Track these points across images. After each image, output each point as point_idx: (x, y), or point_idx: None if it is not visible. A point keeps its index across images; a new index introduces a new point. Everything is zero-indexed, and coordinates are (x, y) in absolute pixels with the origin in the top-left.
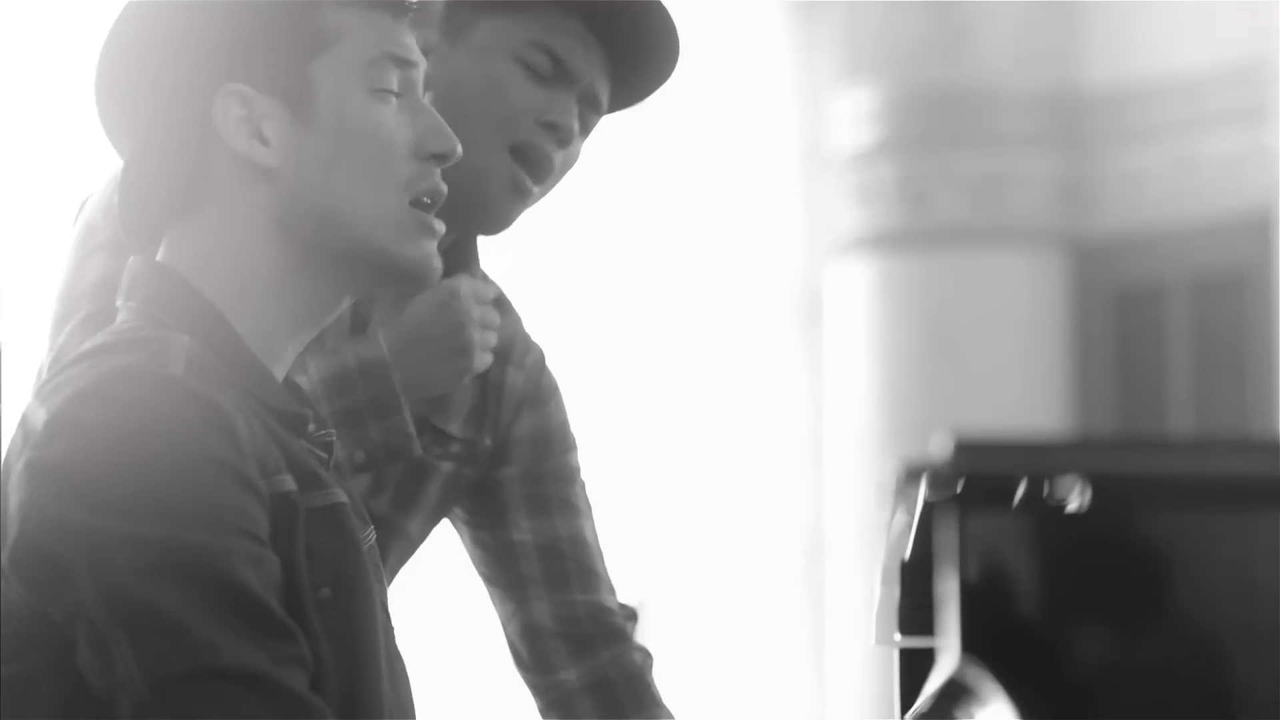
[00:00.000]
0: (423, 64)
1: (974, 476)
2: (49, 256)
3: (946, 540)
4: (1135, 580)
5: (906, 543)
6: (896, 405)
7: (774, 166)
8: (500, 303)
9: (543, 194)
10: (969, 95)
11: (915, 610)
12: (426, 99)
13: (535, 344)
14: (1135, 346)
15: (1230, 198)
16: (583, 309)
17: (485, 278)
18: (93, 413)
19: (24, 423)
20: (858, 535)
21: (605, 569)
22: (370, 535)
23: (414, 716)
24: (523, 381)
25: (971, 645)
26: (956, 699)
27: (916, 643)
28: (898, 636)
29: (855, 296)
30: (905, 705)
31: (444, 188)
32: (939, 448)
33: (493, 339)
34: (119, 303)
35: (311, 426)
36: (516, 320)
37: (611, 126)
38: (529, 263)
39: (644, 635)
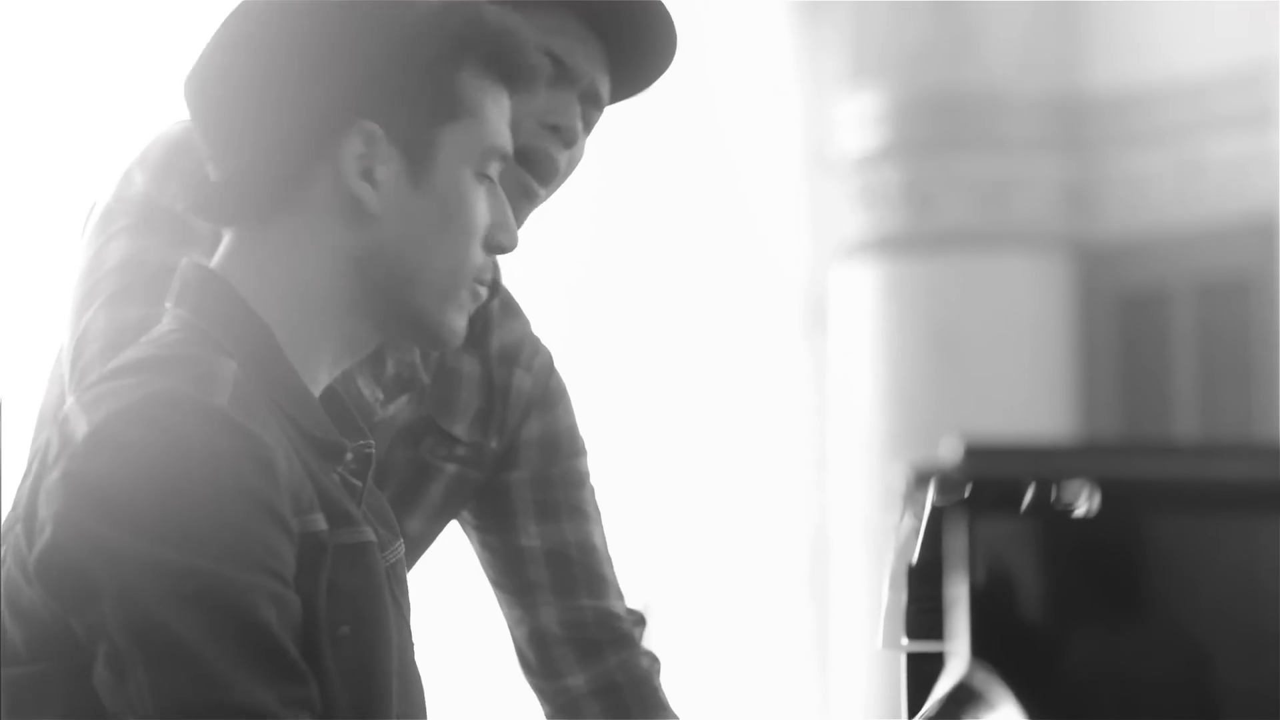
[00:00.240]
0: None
1: (982, 480)
2: (46, 264)
3: (956, 544)
4: (1144, 584)
5: (914, 546)
6: (901, 409)
7: (779, 170)
8: (508, 306)
9: (549, 195)
10: (974, 99)
11: (922, 614)
12: None
13: (544, 346)
14: (1140, 351)
15: (1235, 202)
16: (588, 312)
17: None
18: (134, 433)
19: (64, 425)
20: (862, 539)
21: (613, 574)
22: (398, 549)
23: None
24: (531, 384)
25: (980, 649)
26: (965, 703)
27: (923, 647)
28: (905, 640)
29: (860, 300)
30: (913, 709)
31: (501, 277)
32: (949, 452)
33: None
34: (167, 304)
35: (349, 455)
36: (524, 323)
37: (617, 129)
38: (534, 267)
39: (650, 639)
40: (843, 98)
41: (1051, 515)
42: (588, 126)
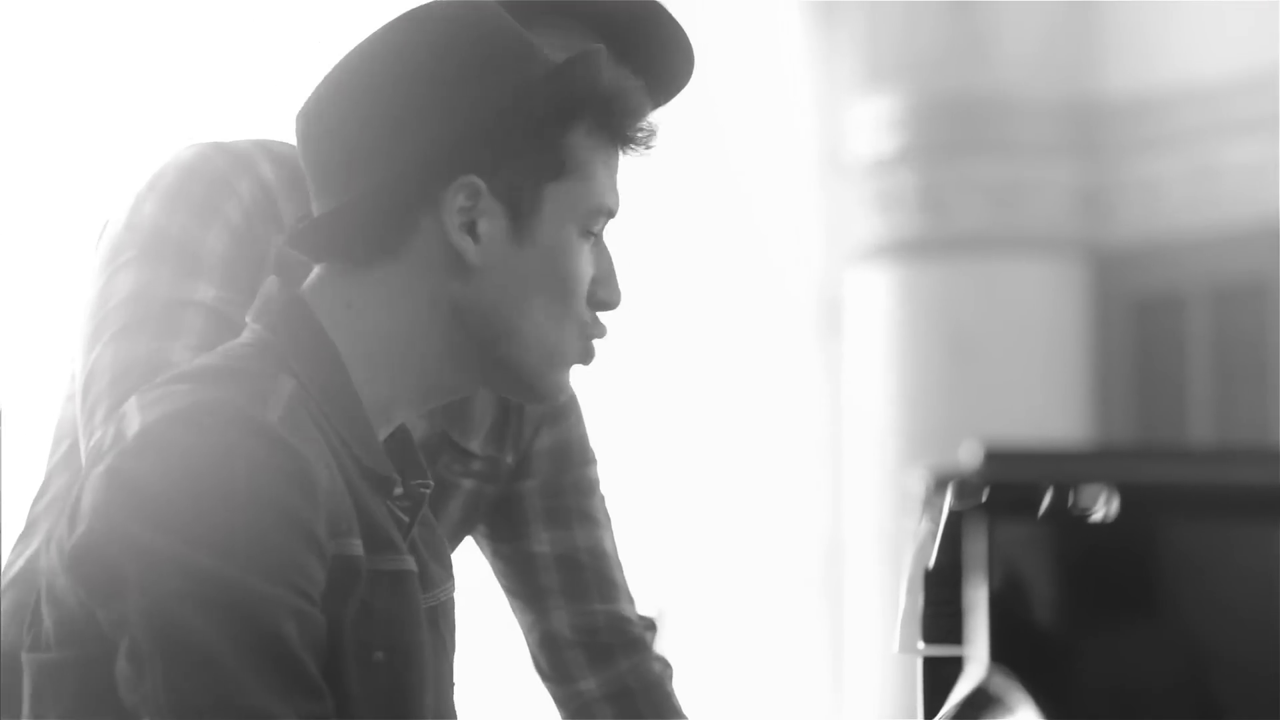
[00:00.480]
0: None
1: (1000, 485)
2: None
3: (974, 548)
4: (1161, 589)
5: (931, 550)
6: (915, 413)
7: (793, 174)
8: None
9: None
10: (989, 103)
11: (939, 618)
12: None
13: None
14: (1155, 355)
15: (1249, 206)
16: (602, 316)
17: None
18: (179, 437)
19: (121, 420)
20: (876, 543)
21: (624, 579)
22: (449, 588)
23: None
24: None
25: (998, 653)
26: (983, 707)
27: (941, 651)
28: (921, 644)
29: (875, 304)
30: (929, 713)
31: (607, 332)
32: (967, 456)
33: None
34: (247, 319)
35: (399, 490)
36: None
37: None
38: None
39: (663, 644)
40: (857, 102)
41: (1069, 520)
42: None
